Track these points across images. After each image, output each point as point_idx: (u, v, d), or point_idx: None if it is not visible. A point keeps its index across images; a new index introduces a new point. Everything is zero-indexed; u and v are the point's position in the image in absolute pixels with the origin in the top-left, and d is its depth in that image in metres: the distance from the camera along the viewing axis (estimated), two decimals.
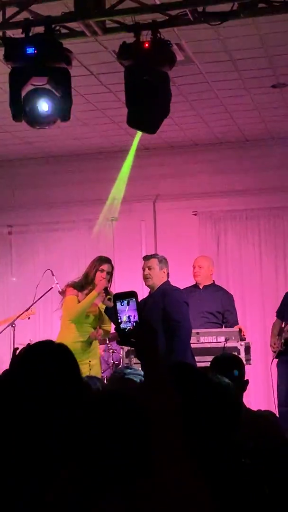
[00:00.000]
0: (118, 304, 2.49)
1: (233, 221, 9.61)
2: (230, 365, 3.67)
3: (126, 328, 2.42)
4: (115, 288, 9.49)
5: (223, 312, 7.58)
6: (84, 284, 6.59)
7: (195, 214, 9.70)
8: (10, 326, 8.33)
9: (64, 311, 6.71)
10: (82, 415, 2.01)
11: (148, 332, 2.35)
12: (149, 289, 6.63)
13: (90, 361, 6.40)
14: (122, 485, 1.85)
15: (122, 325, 2.45)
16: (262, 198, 9.37)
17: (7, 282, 10.01)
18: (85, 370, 6.27)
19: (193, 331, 6.64)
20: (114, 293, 6.18)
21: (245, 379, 4.21)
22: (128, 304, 2.46)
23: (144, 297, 6.58)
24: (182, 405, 2.16)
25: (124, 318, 2.46)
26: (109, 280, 6.62)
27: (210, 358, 6.87)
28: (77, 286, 6.62)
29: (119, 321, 2.47)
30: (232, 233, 9.57)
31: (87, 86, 7.47)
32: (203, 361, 6.66)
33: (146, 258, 6.62)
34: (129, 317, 2.46)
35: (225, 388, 2.73)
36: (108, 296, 6.35)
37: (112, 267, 6.67)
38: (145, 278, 6.53)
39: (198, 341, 6.86)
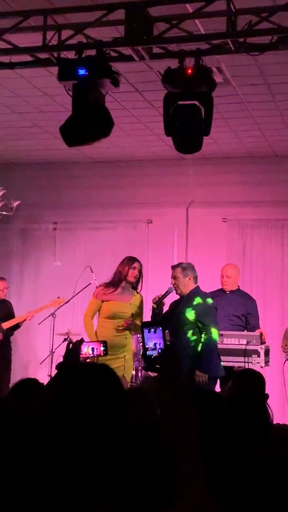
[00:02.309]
0: (145, 331, 2.46)
1: (259, 229, 9.50)
2: (253, 382, 3.57)
3: (152, 355, 2.40)
4: (148, 288, 9.52)
5: (246, 315, 7.50)
6: (117, 282, 6.58)
7: (224, 221, 9.61)
8: (51, 316, 8.34)
9: None
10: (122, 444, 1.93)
11: (172, 360, 2.30)
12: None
13: (125, 356, 6.36)
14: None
15: (148, 352, 2.42)
16: (286, 208, 9.26)
17: (50, 274, 10.01)
18: (120, 364, 6.24)
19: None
20: (156, 300, 6.23)
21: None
22: (155, 332, 2.44)
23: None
24: (204, 435, 2.10)
25: (151, 345, 2.43)
26: (139, 277, 6.66)
27: (232, 358, 6.92)
28: (110, 284, 6.60)
29: (146, 347, 2.44)
30: (258, 240, 9.46)
31: (132, 101, 7.47)
32: (225, 361, 6.65)
33: (172, 268, 6.56)
34: (155, 344, 2.43)
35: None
36: (156, 302, 6.32)
37: (141, 265, 6.70)
38: (174, 288, 6.48)
39: (221, 342, 6.79)
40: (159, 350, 2.41)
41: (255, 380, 3.42)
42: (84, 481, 1.90)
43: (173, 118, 5.19)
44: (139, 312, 6.67)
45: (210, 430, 2.16)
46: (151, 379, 3.34)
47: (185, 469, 1.87)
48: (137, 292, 6.70)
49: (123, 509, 1.80)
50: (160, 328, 2.47)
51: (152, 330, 2.46)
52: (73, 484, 1.93)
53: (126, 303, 6.57)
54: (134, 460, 1.84)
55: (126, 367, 6.36)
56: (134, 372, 7.99)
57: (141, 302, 6.71)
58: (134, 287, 6.67)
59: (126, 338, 6.49)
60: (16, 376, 8.67)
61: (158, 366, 2.35)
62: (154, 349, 2.42)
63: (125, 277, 6.58)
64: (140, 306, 6.69)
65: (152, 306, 6.33)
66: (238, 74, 6.63)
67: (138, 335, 8.28)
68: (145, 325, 2.50)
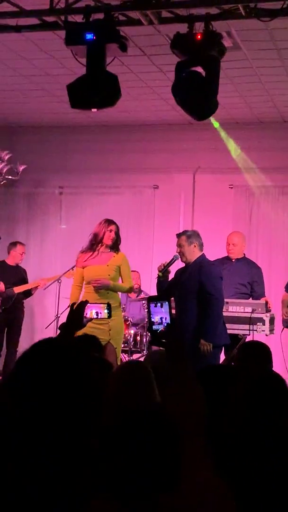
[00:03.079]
0: (152, 306, 2.46)
1: (266, 196, 9.43)
2: (259, 355, 3.54)
3: (158, 330, 2.40)
4: (154, 254, 9.52)
5: (252, 283, 7.49)
6: (93, 244, 6.54)
7: (231, 188, 9.54)
8: (57, 281, 8.36)
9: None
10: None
11: (178, 334, 2.30)
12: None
13: (108, 322, 6.06)
14: (148, 497, 1.78)
15: (154, 326, 2.42)
16: None
17: (56, 239, 10.00)
18: (104, 329, 6.11)
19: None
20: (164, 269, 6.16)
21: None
22: (161, 306, 2.44)
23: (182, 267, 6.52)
24: (210, 414, 2.10)
25: (157, 319, 2.43)
26: (116, 239, 6.56)
27: (237, 326, 6.93)
28: (87, 249, 6.56)
29: (152, 321, 2.45)
30: (265, 207, 9.41)
31: (140, 65, 7.37)
32: (230, 329, 6.65)
33: (177, 236, 6.47)
34: (161, 318, 2.43)
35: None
36: (161, 270, 6.26)
37: (118, 228, 6.63)
38: (180, 255, 6.41)
39: (227, 310, 6.78)
40: (165, 325, 2.42)
41: (263, 354, 3.40)
42: (82, 466, 1.92)
43: (182, 85, 5.11)
44: (125, 270, 6.58)
45: (216, 409, 2.16)
46: (158, 355, 3.32)
47: (191, 451, 1.87)
48: (117, 251, 6.60)
49: (127, 494, 1.80)
50: (167, 302, 2.47)
51: (159, 304, 2.46)
52: (71, 471, 1.95)
53: (103, 265, 6.47)
54: (137, 442, 1.83)
55: (112, 333, 6.22)
56: (132, 338, 8.02)
57: (124, 259, 6.60)
58: (113, 249, 6.57)
59: (107, 300, 6.32)
60: (23, 340, 8.75)
61: (164, 340, 2.35)
62: (160, 323, 2.43)
63: (101, 239, 6.51)
64: (124, 264, 6.58)
65: (158, 274, 6.30)
66: (248, 39, 6.51)
67: (143, 302, 8.31)
68: (152, 299, 2.50)
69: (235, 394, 2.11)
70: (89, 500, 1.90)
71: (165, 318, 2.42)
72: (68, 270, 8.10)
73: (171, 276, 6.47)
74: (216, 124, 8.76)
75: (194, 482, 1.82)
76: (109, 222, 6.61)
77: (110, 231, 6.54)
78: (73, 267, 8.24)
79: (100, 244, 6.51)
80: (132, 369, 2.84)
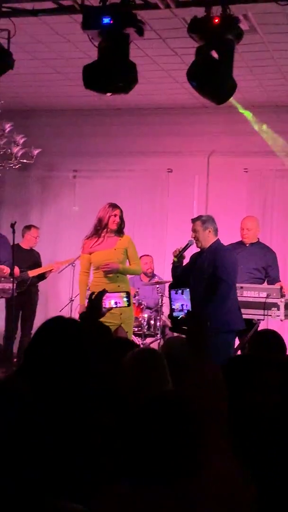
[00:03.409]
0: (173, 292, 2.47)
1: (281, 180, 9.39)
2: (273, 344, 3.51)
3: (179, 316, 2.41)
4: (167, 237, 9.51)
5: (266, 268, 7.47)
6: (98, 230, 6.53)
7: (246, 171, 9.51)
8: (71, 265, 8.40)
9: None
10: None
11: (199, 321, 2.31)
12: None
13: (121, 314, 6.05)
14: (168, 481, 1.80)
15: (175, 313, 2.44)
16: None
17: (69, 222, 10.00)
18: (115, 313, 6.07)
19: (238, 285, 6.55)
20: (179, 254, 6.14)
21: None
22: (182, 293, 2.44)
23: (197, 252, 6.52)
24: (229, 397, 2.11)
25: (177, 306, 2.44)
26: (121, 223, 6.55)
27: (251, 311, 6.93)
28: (92, 235, 6.55)
29: (173, 308, 2.46)
30: (279, 192, 9.37)
31: (155, 49, 7.34)
32: (244, 313, 6.64)
33: (192, 221, 6.44)
34: (182, 305, 2.44)
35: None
36: (176, 256, 6.24)
37: (122, 212, 6.59)
38: (195, 241, 6.39)
39: (241, 294, 6.78)
40: (186, 312, 2.42)
41: (276, 343, 3.39)
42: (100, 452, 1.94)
43: (197, 70, 5.09)
44: (132, 252, 6.60)
45: (237, 396, 2.17)
46: (175, 342, 3.33)
47: (211, 438, 1.88)
48: (122, 235, 6.60)
49: (147, 479, 1.82)
50: (188, 289, 2.47)
51: (180, 291, 2.47)
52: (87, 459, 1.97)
53: (111, 249, 6.46)
54: (157, 428, 1.84)
55: (123, 317, 6.17)
56: (146, 322, 8.03)
57: (130, 241, 6.62)
58: (118, 233, 6.56)
59: (118, 286, 6.26)
60: (37, 323, 8.80)
61: (185, 327, 2.36)
62: (181, 310, 2.44)
63: (106, 224, 6.50)
64: (130, 246, 6.59)
65: (173, 260, 6.29)
66: (264, 22, 6.48)
67: (157, 286, 8.32)
68: (173, 286, 2.50)
69: (265, 381, 2.12)
70: (108, 483, 1.93)
71: (186, 305, 2.43)
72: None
73: (186, 261, 6.46)
74: (248, 115, 8.69)
75: (214, 469, 1.84)
76: (114, 206, 6.58)
77: (115, 215, 6.51)
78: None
79: (105, 229, 6.51)
80: (145, 356, 2.89)
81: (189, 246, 6.31)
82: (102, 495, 1.84)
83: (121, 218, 6.57)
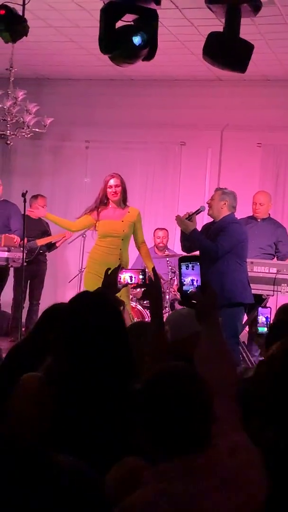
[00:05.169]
0: (183, 267, 2.43)
1: None
2: None
3: (189, 290, 2.38)
4: (179, 212, 9.44)
5: (277, 243, 7.45)
6: (100, 204, 6.46)
7: (259, 146, 9.43)
8: (81, 236, 8.38)
9: None
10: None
11: (209, 296, 2.28)
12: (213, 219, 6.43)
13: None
14: (179, 456, 1.80)
15: (185, 287, 2.40)
16: None
17: (81, 193, 9.96)
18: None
19: (248, 260, 6.52)
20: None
21: None
22: (193, 268, 2.40)
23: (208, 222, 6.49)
24: (240, 376, 2.09)
25: (187, 281, 2.41)
26: (121, 191, 6.44)
27: (261, 286, 6.91)
28: (99, 204, 6.48)
29: (183, 283, 2.42)
30: None
31: (171, 19, 7.22)
32: (254, 289, 6.62)
33: (215, 189, 6.42)
34: (192, 280, 2.40)
35: None
36: (188, 216, 6.15)
37: (121, 180, 6.49)
38: (208, 207, 6.36)
39: (251, 270, 6.76)
40: (196, 287, 2.39)
41: None
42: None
43: (211, 44, 5.03)
44: (139, 227, 6.59)
45: (247, 370, 2.16)
46: (179, 315, 3.29)
47: (222, 413, 1.87)
48: (133, 208, 6.57)
49: (158, 451, 1.82)
50: (198, 264, 2.44)
51: (190, 266, 2.43)
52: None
53: (118, 220, 6.45)
54: (168, 401, 1.84)
55: (122, 290, 6.22)
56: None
57: (139, 216, 6.59)
58: (123, 204, 6.51)
59: (119, 259, 6.28)
60: (45, 293, 8.83)
61: (195, 301, 2.33)
62: (191, 285, 2.40)
63: (106, 198, 6.43)
64: (139, 220, 6.58)
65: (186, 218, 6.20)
66: None
67: (168, 260, 8.30)
68: (183, 260, 2.46)
69: (271, 353, 2.10)
70: (122, 455, 1.94)
71: (196, 280, 2.40)
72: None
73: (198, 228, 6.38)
74: None
75: (224, 443, 1.83)
76: (109, 177, 6.51)
77: (110, 187, 6.43)
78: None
79: (108, 201, 6.45)
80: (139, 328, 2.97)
81: (200, 212, 6.26)
82: (116, 470, 1.85)
83: (122, 186, 6.47)
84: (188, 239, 6.08)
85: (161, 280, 8.18)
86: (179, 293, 2.46)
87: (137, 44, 5.15)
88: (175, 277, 8.09)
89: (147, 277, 7.48)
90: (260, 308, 2.43)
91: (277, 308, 3.64)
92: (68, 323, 2.24)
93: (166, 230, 8.93)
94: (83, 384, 2.09)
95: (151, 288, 2.87)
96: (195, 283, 2.40)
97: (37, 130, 8.52)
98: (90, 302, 2.30)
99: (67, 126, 9.72)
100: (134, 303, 7.86)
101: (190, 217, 6.14)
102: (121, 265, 3.40)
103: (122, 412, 2.06)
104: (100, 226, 6.48)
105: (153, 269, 3.32)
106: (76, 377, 2.11)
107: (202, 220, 6.93)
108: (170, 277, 8.12)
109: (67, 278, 9.05)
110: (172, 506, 1.66)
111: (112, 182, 6.45)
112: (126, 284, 3.62)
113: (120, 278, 3.38)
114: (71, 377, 2.11)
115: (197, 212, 6.20)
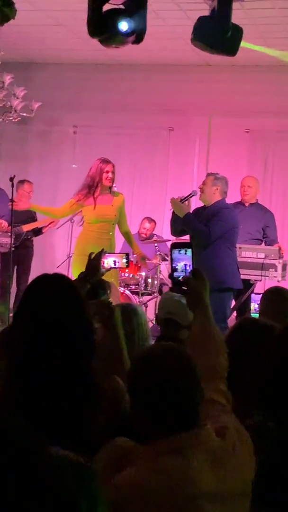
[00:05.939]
0: (176, 252, 2.41)
1: (283, 142, 9.29)
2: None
3: (180, 277, 2.36)
4: (167, 196, 9.43)
5: (265, 228, 7.47)
6: (91, 186, 6.40)
7: (247, 132, 9.41)
8: (69, 221, 8.34)
9: None
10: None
11: (200, 282, 2.27)
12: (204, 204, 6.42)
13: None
14: (168, 435, 1.80)
15: (176, 273, 2.38)
16: None
17: (69, 178, 9.90)
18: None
19: (236, 245, 6.54)
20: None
21: None
22: (185, 253, 2.39)
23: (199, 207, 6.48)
24: (231, 361, 2.10)
25: (179, 267, 2.39)
26: (112, 178, 6.44)
27: (249, 271, 6.93)
28: (89, 188, 6.41)
29: (175, 268, 2.40)
30: (281, 153, 9.29)
31: (160, 3, 7.17)
32: (242, 274, 6.63)
33: (207, 174, 6.42)
34: (185, 265, 2.39)
35: None
36: (181, 200, 6.13)
37: (113, 166, 6.48)
38: (200, 192, 6.35)
39: (239, 255, 6.77)
40: (189, 272, 2.37)
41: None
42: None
43: (200, 28, 5.00)
44: (123, 212, 6.58)
45: (237, 356, 2.16)
46: (170, 299, 3.28)
47: (211, 395, 1.88)
48: (118, 192, 6.55)
49: (147, 435, 1.82)
50: (191, 249, 2.42)
51: (183, 251, 2.41)
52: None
53: (109, 205, 6.42)
54: (157, 381, 1.84)
55: (113, 272, 6.13)
56: (143, 280, 8.02)
57: (123, 201, 6.59)
58: (109, 189, 6.48)
59: (109, 240, 6.32)
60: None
61: (186, 288, 2.32)
62: (184, 270, 2.38)
63: (99, 182, 6.37)
64: (123, 205, 6.57)
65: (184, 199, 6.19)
66: None
67: (156, 245, 8.29)
68: (175, 246, 2.44)
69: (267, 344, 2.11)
70: (109, 438, 1.93)
71: (189, 265, 2.38)
72: (80, 210, 8.06)
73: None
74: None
75: (214, 425, 1.84)
76: (106, 161, 6.45)
77: (107, 172, 6.39)
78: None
79: (98, 186, 6.39)
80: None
81: (192, 196, 6.27)
82: (105, 450, 1.85)
83: (113, 172, 6.45)
84: (181, 222, 6.08)
85: (148, 263, 8.18)
86: (170, 280, 2.44)
87: (124, 31, 5.10)
88: (162, 262, 8.08)
89: (135, 262, 7.50)
90: (252, 295, 2.43)
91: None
92: (24, 299, 2.25)
93: (155, 223, 8.89)
94: (38, 357, 2.08)
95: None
96: (187, 268, 2.38)
97: (24, 114, 8.46)
98: (47, 280, 2.28)
99: (55, 111, 9.65)
100: (123, 289, 7.84)
101: (182, 201, 6.14)
102: (104, 250, 3.38)
103: (85, 390, 2.05)
104: (90, 211, 6.43)
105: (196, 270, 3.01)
106: (31, 352, 2.09)
107: (193, 205, 6.91)
108: (158, 262, 8.11)
109: (55, 264, 9.02)
110: (162, 483, 1.66)
111: (109, 167, 6.42)
112: (110, 268, 3.59)
113: (103, 263, 3.37)
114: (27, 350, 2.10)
115: (189, 196, 6.21)
